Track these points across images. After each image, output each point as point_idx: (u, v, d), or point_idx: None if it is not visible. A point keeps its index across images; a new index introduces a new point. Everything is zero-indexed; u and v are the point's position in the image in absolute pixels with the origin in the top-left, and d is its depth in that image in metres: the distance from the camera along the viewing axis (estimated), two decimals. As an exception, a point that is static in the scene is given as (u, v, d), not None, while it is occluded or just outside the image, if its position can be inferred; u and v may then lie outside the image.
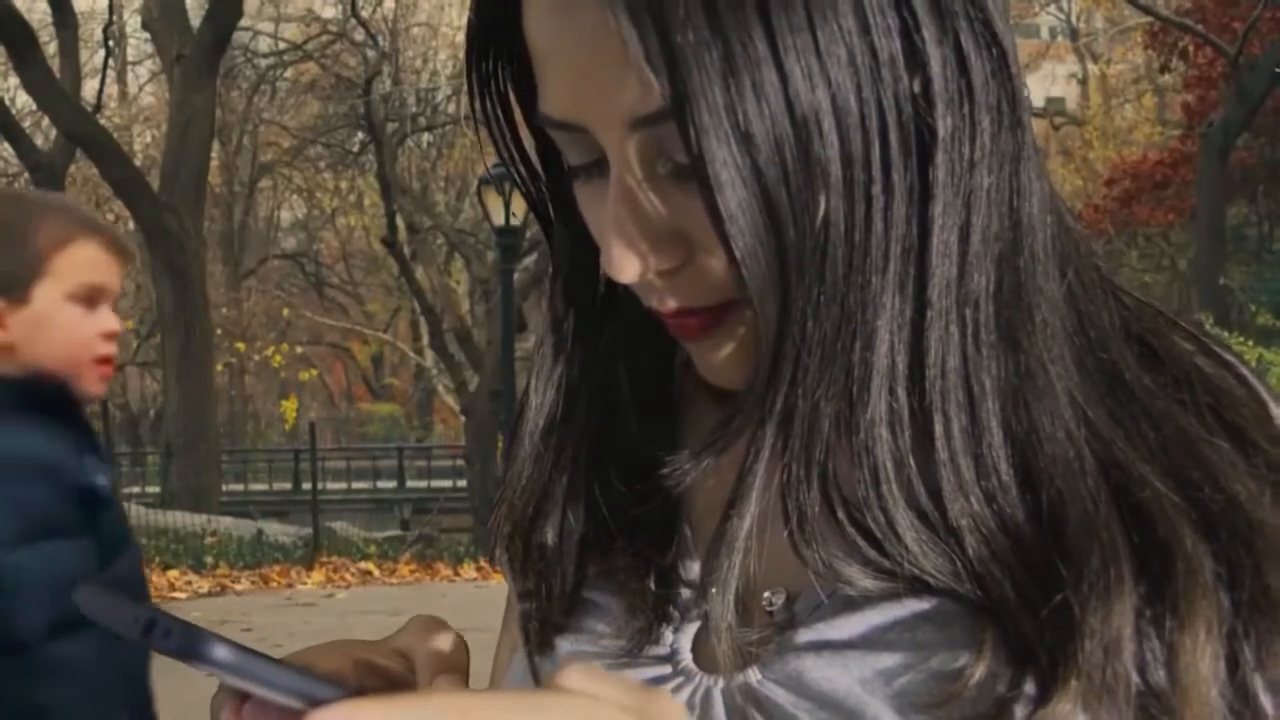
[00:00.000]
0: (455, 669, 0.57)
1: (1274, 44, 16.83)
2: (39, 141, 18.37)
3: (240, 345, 25.66)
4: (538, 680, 0.66)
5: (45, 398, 1.68)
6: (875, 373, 0.55)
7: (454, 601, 8.97)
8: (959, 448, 0.56)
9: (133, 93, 27.25)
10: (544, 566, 0.67)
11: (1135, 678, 0.53)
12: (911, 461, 0.56)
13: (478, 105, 0.64)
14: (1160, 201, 21.20)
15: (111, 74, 23.25)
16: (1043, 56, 29.41)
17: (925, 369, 0.55)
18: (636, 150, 0.55)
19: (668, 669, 0.62)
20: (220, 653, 0.43)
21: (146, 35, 19.59)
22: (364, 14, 19.73)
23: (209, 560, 11.00)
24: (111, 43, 21.84)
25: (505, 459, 0.72)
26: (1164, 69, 21.12)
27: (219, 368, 22.01)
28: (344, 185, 26.24)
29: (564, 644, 0.66)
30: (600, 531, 0.67)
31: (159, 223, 14.51)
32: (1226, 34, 17.24)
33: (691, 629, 0.63)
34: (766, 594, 0.61)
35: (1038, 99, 28.76)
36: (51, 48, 17.08)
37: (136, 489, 19.34)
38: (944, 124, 0.54)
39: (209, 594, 9.77)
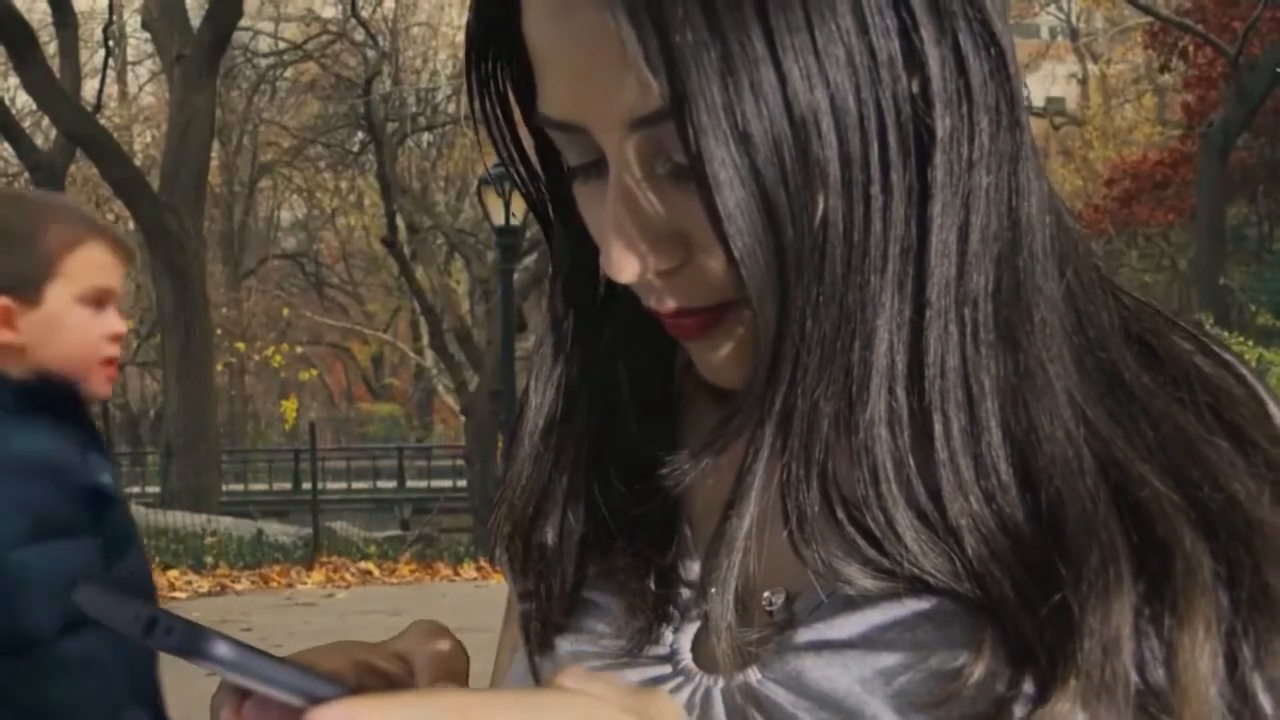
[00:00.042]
0: (454, 673, 0.57)
1: (1274, 44, 16.83)
2: (39, 141, 18.37)
3: (240, 345, 25.66)
4: (538, 680, 0.66)
5: (51, 398, 1.69)
6: (874, 372, 0.55)
7: (454, 601, 8.98)
8: (958, 447, 0.56)
9: (133, 93, 27.25)
10: (544, 566, 0.67)
11: (1134, 676, 0.53)
12: (911, 461, 0.56)
13: (477, 106, 0.64)
14: (1160, 201, 21.20)
15: (111, 74, 23.26)
16: (1043, 56, 29.41)
17: (924, 368, 0.56)
18: (635, 150, 0.55)
19: (668, 669, 0.62)
20: (221, 650, 0.43)
21: (146, 35, 19.59)
22: (364, 14, 19.73)
23: (209, 560, 11.00)
24: (111, 43, 21.85)
25: (505, 459, 0.72)
26: (1164, 69, 21.13)
27: (219, 368, 22.02)
28: (344, 185, 26.25)
29: (564, 644, 0.66)
30: (600, 531, 0.67)
31: (159, 223, 14.52)
32: (1226, 34, 17.25)
33: (691, 629, 0.63)
34: (766, 594, 0.61)
35: (1038, 99, 28.78)
36: (51, 48, 17.08)
37: (136, 489, 19.34)
38: (942, 124, 0.54)
39: (209, 594, 9.77)
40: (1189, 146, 19.98)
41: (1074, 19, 30.22)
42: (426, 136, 24.56)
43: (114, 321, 1.77)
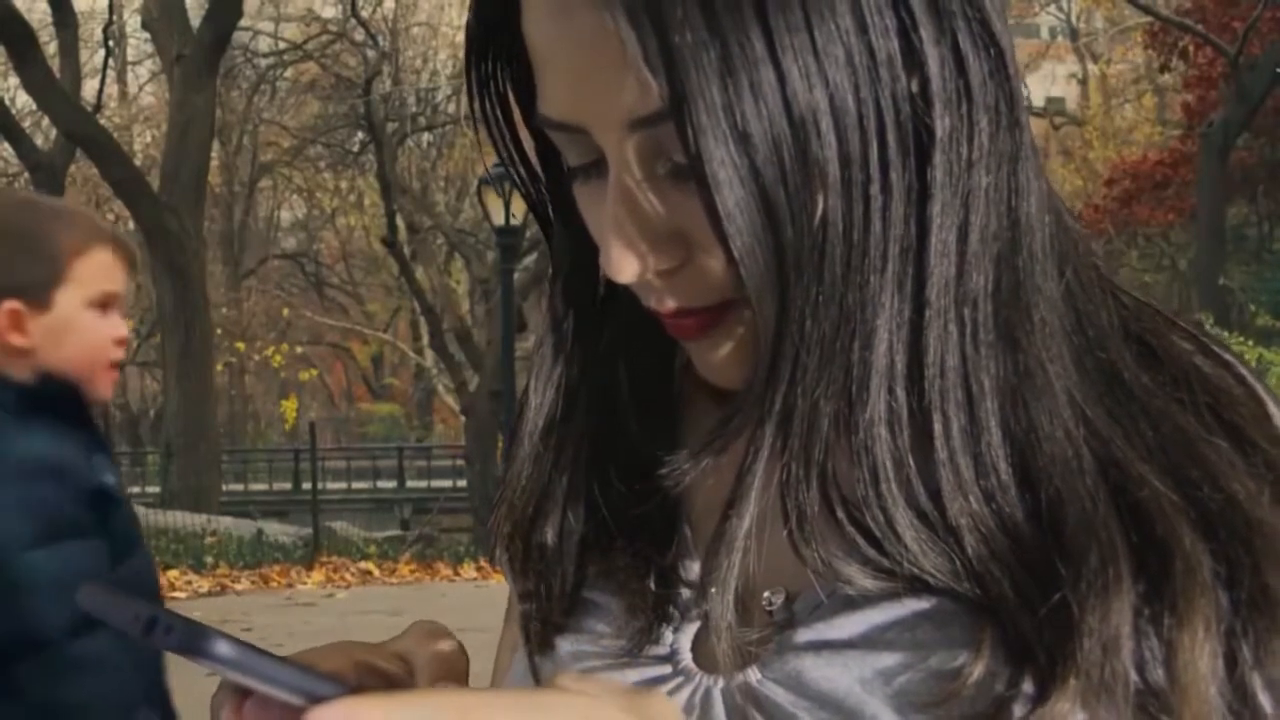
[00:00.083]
0: (454, 674, 0.57)
1: (1274, 44, 16.83)
2: (39, 141, 18.38)
3: (240, 345, 25.67)
4: (538, 680, 0.66)
5: (54, 400, 1.70)
6: (874, 372, 0.55)
7: (454, 601, 8.98)
8: (958, 447, 0.56)
9: (133, 93, 27.25)
10: (544, 566, 0.67)
11: (1134, 676, 0.53)
12: (910, 461, 0.56)
13: (477, 106, 0.64)
14: (1160, 201, 21.20)
15: (111, 74, 23.25)
16: (1043, 56, 29.41)
17: (924, 368, 0.56)
18: (635, 151, 0.55)
19: (668, 669, 0.62)
20: (222, 649, 0.43)
21: (146, 35, 19.59)
22: (364, 14, 19.73)
23: (209, 560, 11.00)
24: (111, 43, 21.85)
25: (505, 459, 0.72)
26: (1164, 69, 21.13)
27: (219, 368, 22.02)
28: (344, 185, 26.25)
29: (564, 644, 0.66)
30: (600, 531, 0.67)
31: (159, 223, 14.52)
32: (1226, 34, 17.25)
33: (691, 629, 0.63)
34: (766, 594, 0.61)
35: (1038, 99, 28.77)
36: (51, 48, 17.08)
37: (136, 489, 19.32)
38: (942, 124, 0.54)
39: (209, 594, 9.77)
40: (1189, 146, 19.98)
41: (1074, 19, 30.22)
42: (426, 136, 24.57)
43: (119, 325, 1.79)
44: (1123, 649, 0.53)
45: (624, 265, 0.56)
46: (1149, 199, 21.31)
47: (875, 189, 0.53)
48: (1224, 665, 0.54)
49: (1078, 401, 0.57)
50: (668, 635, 0.63)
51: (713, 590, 0.59)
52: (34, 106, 16.91)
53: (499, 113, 0.65)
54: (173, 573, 10.06)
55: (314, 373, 31.00)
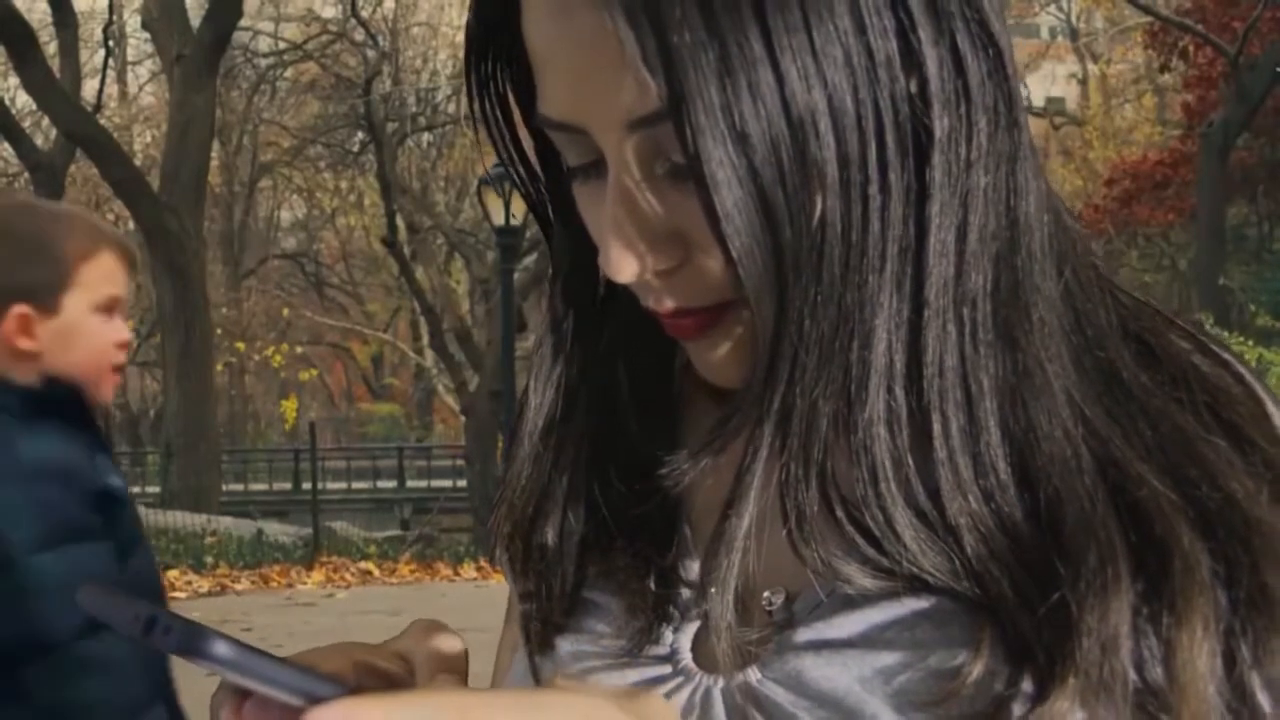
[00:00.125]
0: (454, 670, 0.57)
1: (1274, 44, 16.83)
2: (39, 141, 18.38)
3: (240, 345, 25.67)
4: (538, 680, 0.66)
5: (58, 402, 1.71)
6: (873, 372, 0.55)
7: (454, 601, 8.98)
8: (957, 446, 0.56)
9: (133, 93, 27.25)
10: (544, 567, 0.67)
11: (1133, 675, 0.53)
12: (910, 460, 0.56)
13: (477, 106, 0.64)
14: (1160, 201, 21.19)
15: (111, 74, 23.25)
16: (1043, 56, 29.41)
17: (923, 368, 0.56)
18: (634, 151, 0.55)
19: (668, 669, 0.62)
20: (221, 650, 0.43)
21: (146, 35, 19.59)
22: (364, 14, 19.73)
23: (209, 560, 11.00)
24: (111, 43, 21.85)
25: (505, 459, 0.72)
26: (1164, 69, 21.13)
27: (219, 368, 22.02)
28: (344, 185, 26.25)
29: (564, 644, 0.66)
30: (600, 531, 0.67)
31: (159, 223, 14.52)
32: (1226, 34, 17.24)
33: (691, 629, 0.63)
34: (766, 593, 0.61)
35: (1038, 99, 28.77)
36: (51, 48, 17.08)
37: (136, 489, 19.30)
38: (941, 124, 0.54)
39: (209, 594, 9.78)
40: (1189, 146, 19.97)
41: (1074, 19, 30.22)
42: (426, 136, 24.57)
43: (122, 329, 1.80)
44: (1121, 648, 0.53)
45: (623, 265, 0.56)
46: (1149, 199, 21.31)
47: (874, 189, 0.53)
48: (1222, 664, 0.54)
49: (1076, 401, 0.57)
50: (668, 635, 0.63)
51: (712, 590, 0.59)
52: (34, 106, 16.91)
53: (499, 113, 0.65)
54: (173, 573, 10.06)
55: (314, 373, 31.00)
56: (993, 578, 0.55)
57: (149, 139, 25.12)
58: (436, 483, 23.05)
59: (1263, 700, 0.54)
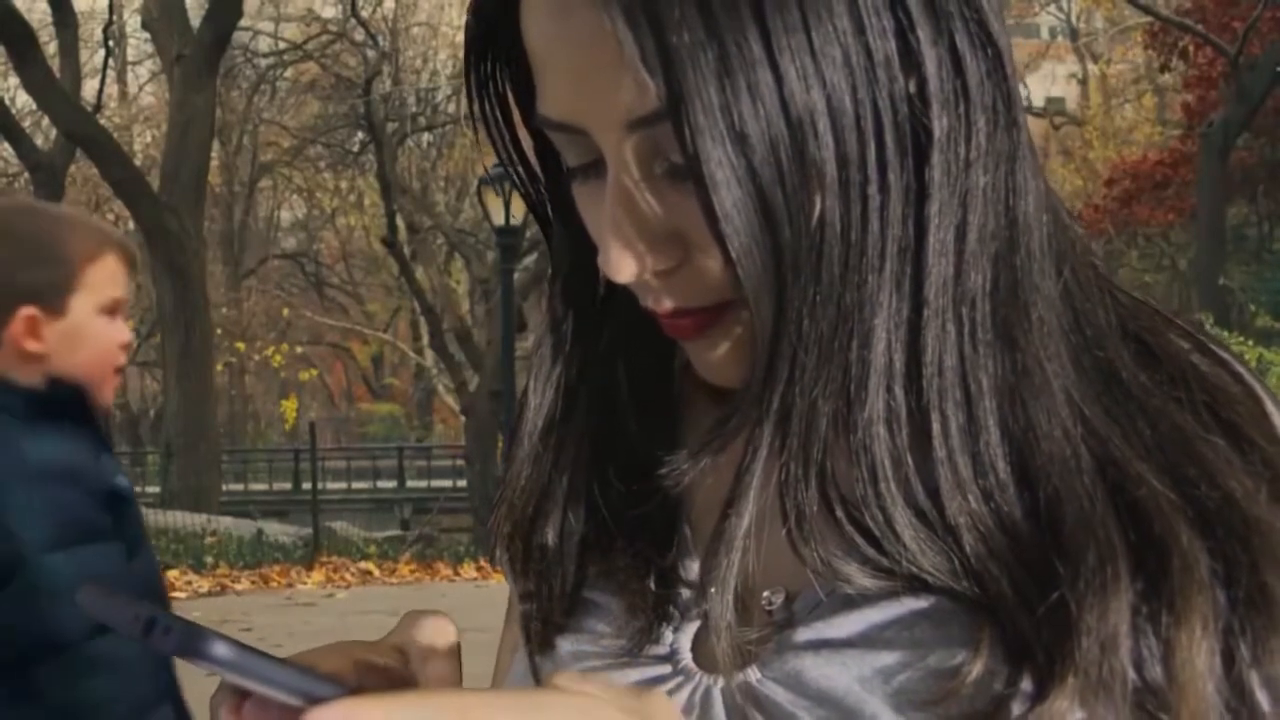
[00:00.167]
0: (447, 656, 0.56)
1: (1274, 44, 16.82)
2: (39, 141, 18.37)
3: (240, 345, 25.67)
4: (538, 680, 0.66)
5: (61, 403, 1.71)
6: (872, 371, 0.55)
7: (454, 601, 8.97)
8: (956, 446, 0.56)
9: (133, 93, 27.25)
10: (544, 567, 0.67)
11: (1132, 674, 0.53)
12: (909, 460, 0.56)
13: (476, 106, 0.64)
14: (1160, 201, 21.19)
15: (111, 74, 23.25)
16: (1043, 56, 29.41)
17: (922, 367, 0.56)
18: (633, 151, 0.55)
19: (667, 668, 0.62)
20: (220, 650, 0.43)
21: (146, 35, 19.59)
22: (364, 14, 19.73)
23: (209, 560, 11.00)
24: (111, 43, 21.84)
25: (505, 459, 0.72)
26: (1164, 69, 21.13)
27: (219, 368, 22.02)
28: (344, 185, 26.25)
29: (565, 644, 0.66)
30: (600, 531, 0.67)
31: (159, 223, 14.51)
32: (1226, 34, 17.24)
33: (691, 628, 0.63)
34: (766, 593, 0.61)
35: (1038, 99, 28.77)
36: (51, 48, 17.08)
37: (136, 489, 19.20)
38: (940, 124, 0.54)
39: (209, 594, 9.78)
40: (1189, 146, 19.97)
41: (1074, 19, 30.21)
42: (426, 136, 24.57)
43: (124, 330, 1.81)
44: (1121, 647, 0.53)
45: (622, 265, 0.56)
46: (1149, 199, 21.31)
47: (873, 189, 0.53)
48: (1221, 663, 0.54)
49: (1075, 400, 0.57)
50: (668, 635, 0.63)
51: (712, 590, 0.59)
52: (34, 106, 16.91)
53: (498, 113, 0.65)
54: (173, 573, 10.05)
55: (314, 373, 31.00)
56: (992, 577, 0.55)
57: (149, 139, 25.12)
58: (436, 483, 23.05)
59: (1261, 699, 0.54)
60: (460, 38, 0.67)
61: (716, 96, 0.50)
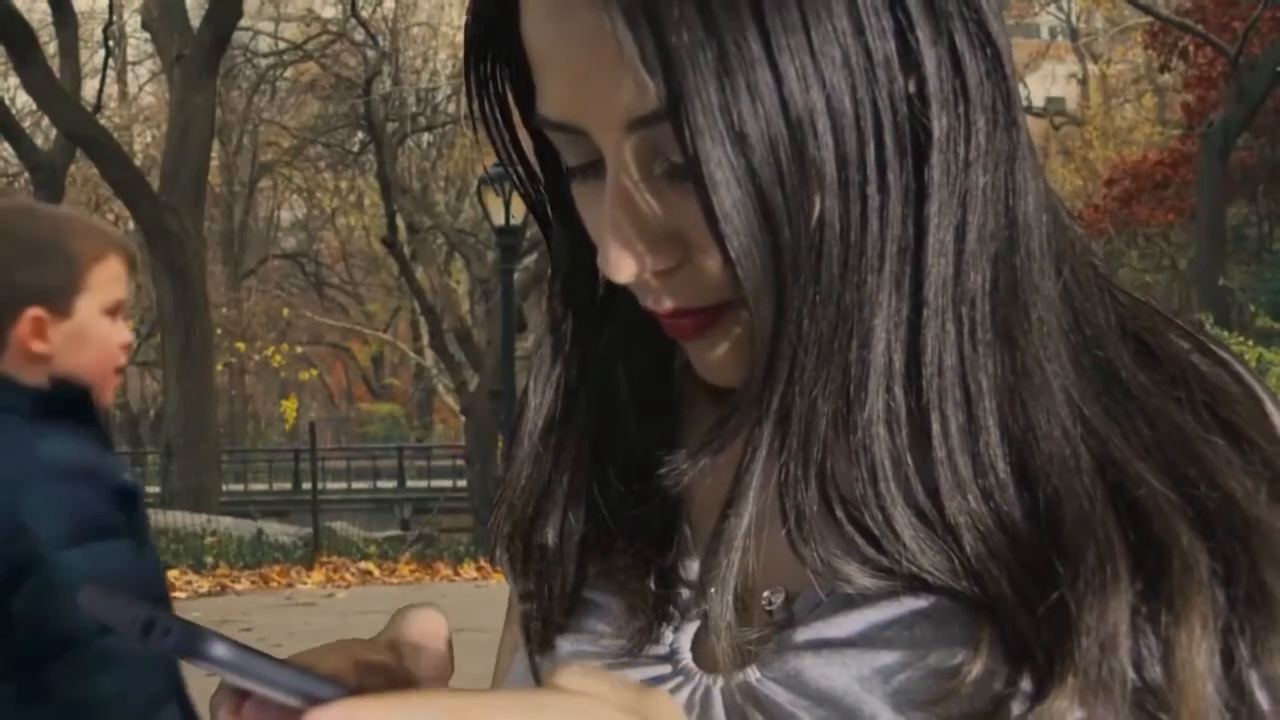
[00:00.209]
0: (438, 649, 0.55)
1: (1274, 44, 16.82)
2: (39, 141, 18.37)
3: (240, 345, 25.67)
4: (538, 680, 0.66)
5: (66, 403, 1.72)
6: (872, 371, 0.55)
7: (454, 601, 8.97)
8: (956, 446, 0.56)
9: (133, 93, 27.25)
10: (544, 567, 0.67)
11: (1131, 674, 0.53)
12: (909, 460, 0.56)
13: (476, 106, 0.64)
14: (1160, 201, 21.19)
15: (111, 74, 23.24)
16: (1043, 56, 29.40)
17: (922, 367, 0.56)
18: (633, 151, 0.55)
19: (667, 668, 0.62)
20: (220, 651, 0.43)
21: (146, 35, 19.59)
22: (364, 14, 19.73)
23: (209, 560, 11.00)
24: (111, 43, 21.83)
25: (505, 459, 0.72)
26: (1164, 69, 21.12)
27: (219, 368, 22.02)
28: (344, 185, 26.24)
29: (564, 644, 0.66)
30: (600, 532, 0.67)
31: (159, 223, 14.51)
32: (1226, 34, 17.24)
33: (691, 628, 0.63)
34: (765, 593, 0.61)
35: (1038, 99, 28.76)
36: (51, 48, 17.07)
37: (137, 489, 19.26)
38: (939, 124, 0.54)
39: (209, 594, 9.78)
40: (1189, 146, 19.97)
41: (1074, 19, 30.21)
42: (426, 136, 24.57)
43: (125, 331, 1.83)
44: (1120, 647, 0.53)
45: (621, 265, 0.56)
46: (1149, 199, 21.30)
47: (872, 189, 0.53)
48: (1221, 663, 0.54)
49: (1075, 400, 0.57)
50: (667, 635, 0.63)
51: (712, 590, 0.59)
52: (34, 106, 16.90)
53: (498, 113, 0.65)
54: (173, 573, 10.05)
55: (314, 373, 31.00)
56: (992, 577, 0.55)
57: (149, 139, 25.12)
58: (436, 483, 23.05)
59: (1261, 698, 0.54)
60: (460, 38, 0.67)
61: (716, 96, 0.50)
